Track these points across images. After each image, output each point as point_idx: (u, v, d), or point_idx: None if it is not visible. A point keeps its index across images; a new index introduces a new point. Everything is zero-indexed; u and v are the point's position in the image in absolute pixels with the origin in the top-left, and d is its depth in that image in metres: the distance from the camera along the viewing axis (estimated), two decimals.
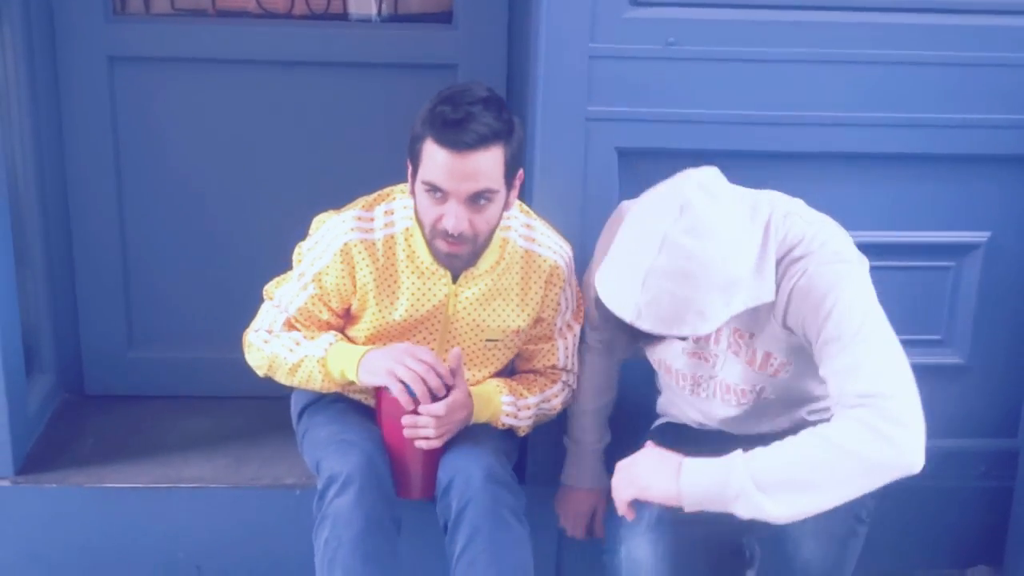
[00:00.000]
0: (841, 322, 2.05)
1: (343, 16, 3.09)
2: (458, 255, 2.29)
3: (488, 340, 2.46)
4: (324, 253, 2.38)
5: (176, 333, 3.22)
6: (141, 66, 3.00)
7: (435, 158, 2.19)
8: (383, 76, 3.03)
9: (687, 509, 2.04)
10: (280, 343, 2.41)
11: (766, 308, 2.16)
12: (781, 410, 2.32)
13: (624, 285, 2.03)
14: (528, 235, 2.44)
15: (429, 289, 2.39)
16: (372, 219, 2.39)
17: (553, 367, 2.55)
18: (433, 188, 2.22)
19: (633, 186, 2.58)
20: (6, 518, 2.75)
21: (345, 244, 2.36)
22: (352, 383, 2.37)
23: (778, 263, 2.14)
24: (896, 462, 1.95)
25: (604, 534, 2.36)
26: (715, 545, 2.34)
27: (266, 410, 2.99)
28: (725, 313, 2.05)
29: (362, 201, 2.43)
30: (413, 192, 2.30)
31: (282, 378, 2.44)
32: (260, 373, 2.48)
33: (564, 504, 2.69)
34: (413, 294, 2.39)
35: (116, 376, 3.21)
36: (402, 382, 2.26)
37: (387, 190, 2.44)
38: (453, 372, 2.32)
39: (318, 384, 2.40)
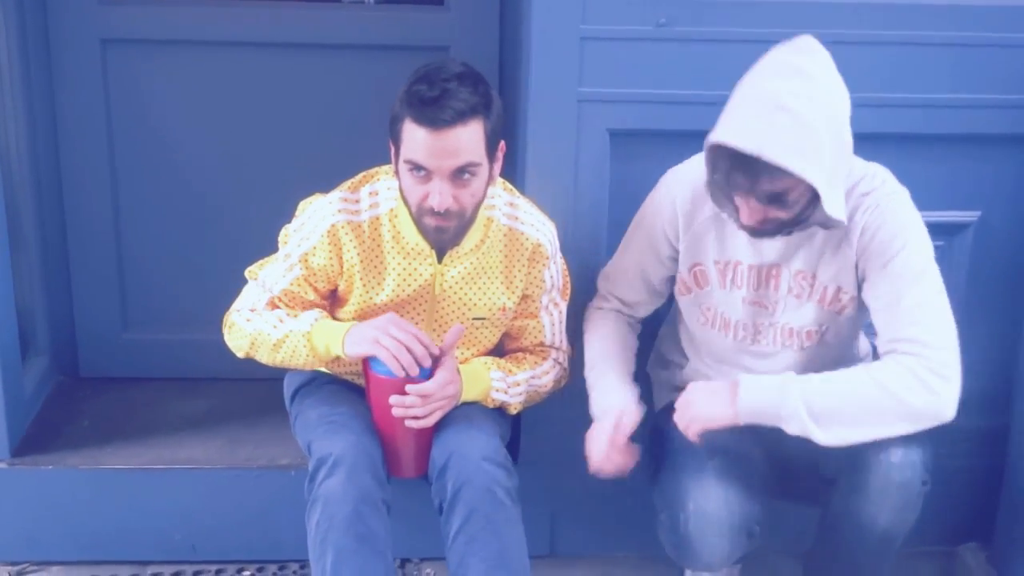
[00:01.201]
0: (908, 262, 2.22)
1: None
2: (446, 229, 2.29)
3: (475, 319, 2.47)
4: (311, 234, 2.39)
5: (170, 315, 3.23)
6: (134, 48, 3.00)
7: (415, 137, 2.20)
8: (376, 58, 3.04)
9: (742, 423, 2.23)
10: (263, 320, 2.41)
11: (833, 242, 2.27)
12: (832, 365, 2.40)
13: (750, 119, 2.10)
14: (511, 213, 2.45)
15: (415, 269, 2.40)
16: (358, 200, 2.40)
17: (541, 344, 2.56)
18: (416, 167, 2.23)
19: (625, 167, 2.60)
20: (2, 500, 2.76)
21: (332, 225, 2.37)
22: (336, 359, 2.37)
23: (847, 196, 2.24)
24: (934, 411, 2.18)
25: (659, 495, 2.38)
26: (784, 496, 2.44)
27: (261, 392, 3.00)
28: (825, 174, 2.09)
29: (347, 183, 2.44)
30: (397, 172, 2.31)
31: (264, 355, 2.44)
32: (239, 354, 2.48)
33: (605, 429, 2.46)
34: (399, 274, 2.40)
35: (111, 358, 3.22)
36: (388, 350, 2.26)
37: (372, 171, 2.45)
38: (444, 351, 2.33)
39: (302, 360, 2.39)
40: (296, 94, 3.07)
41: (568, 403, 2.72)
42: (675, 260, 2.43)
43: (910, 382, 2.16)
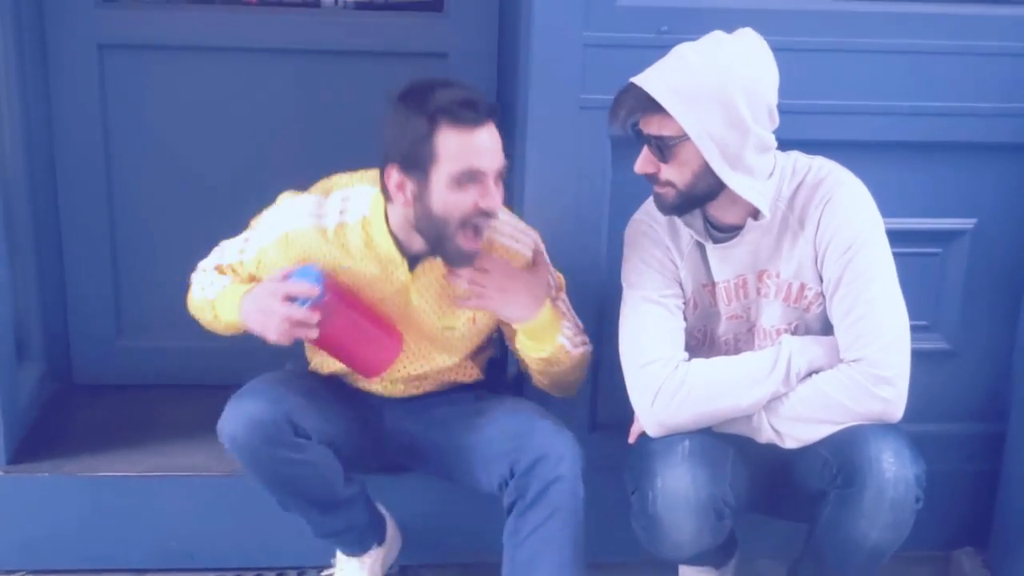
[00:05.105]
0: (861, 269, 2.26)
1: (332, 3, 3.09)
2: (480, 247, 2.27)
3: (446, 328, 2.45)
4: (269, 233, 2.40)
5: (165, 322, 3.19)
6: (131, 53, 3.00)
7: (460, 143, 2.16)
8: (375, 64, 3.04)
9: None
10: (207, 282, 2.51)
11: (788, 238, 2.31)
12: None
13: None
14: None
15: (386, 278, 2.38)
16: (327, 205, 2.38)
17: None
18: (469, 174, 2.18)
19: (626, 175, 2.59)
20: None
21: (286, 234, 2.37)
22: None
23: (795, 193, 2.31)
24: (880, 415, 2.26)
25: (630, 478, 2.39)
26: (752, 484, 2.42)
27: None
28: (701, 124, 2.16)
29: (320, 186, 2.43)
30: (419, 198, 2.23)
31: (202, 318, 2.55)
32: (191, 310, 2.59)
33: None
34: (369, 283, 2.38)
35: (105, 365, 3.21)
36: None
37: (347, 179, 2.43)
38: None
39: (221, 323, 2.47)
40: (294, 99, 3.07)
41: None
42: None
43: (855, 392, 2.25)
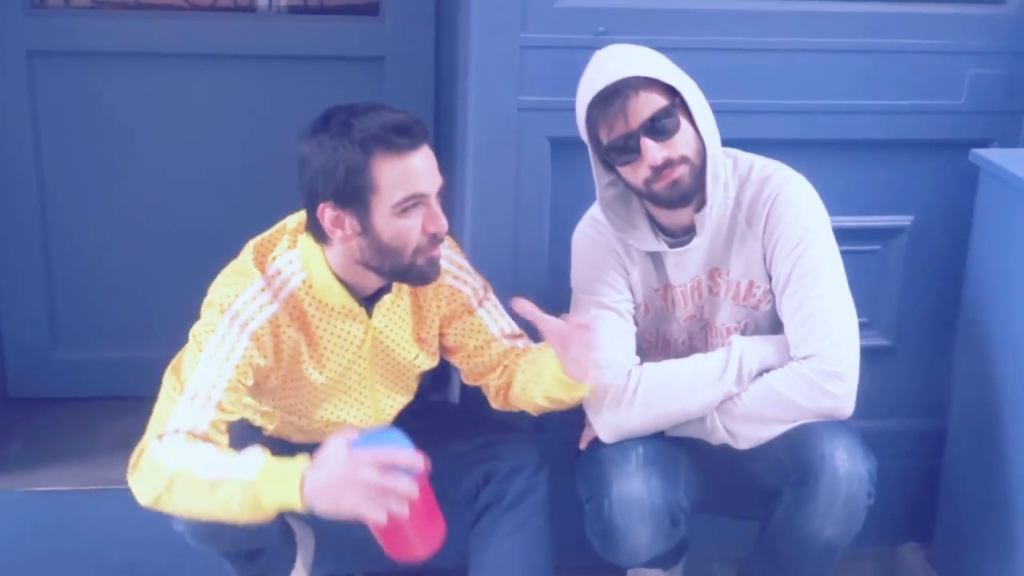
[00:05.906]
0: (809, 266, 2.28)
1: (266, 8, 3.07)
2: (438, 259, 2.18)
3: (416, 357, 2.36)
4: (252, 320, 2.15)
5: (102, 333, 3.16)
6: (62, 60, 2.94)
7: (400, 168, 2.05)
8: (309, 69, 3.01)
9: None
10: (192, 452, 2.04)
11: (738, 236, 2.32)
12: None
13: (591, 81, 2.23)
14: None
15: (348, 331, 2.26)
16: (272, 282, 2.18)
17: (494, 339, 2.40)
18: (414, 199, 2.07)
19: (566, 175, 2.60)
20: None
21: (274, 315, 2.16)
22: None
23: (741, 190, 2.33)
24: (830, 411, 2.27)
25: (584, 486, 2.39)
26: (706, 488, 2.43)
27: None
28: (683, 83, 2.20)
29: (253, 264, 2.19)
30: (364, 231, 2.09)
31: (184, 501, 2.04)
32: (144, 499, 2.10)
33: None
34: (333, 342, 2.26)
35: (41, 378, 3.15)
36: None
37: (260, 246, 2.24)
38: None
39: (236, 512, 1.99)
40: (230, 106, 3.03)
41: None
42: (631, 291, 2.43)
43: (806, 388, 2.26)
